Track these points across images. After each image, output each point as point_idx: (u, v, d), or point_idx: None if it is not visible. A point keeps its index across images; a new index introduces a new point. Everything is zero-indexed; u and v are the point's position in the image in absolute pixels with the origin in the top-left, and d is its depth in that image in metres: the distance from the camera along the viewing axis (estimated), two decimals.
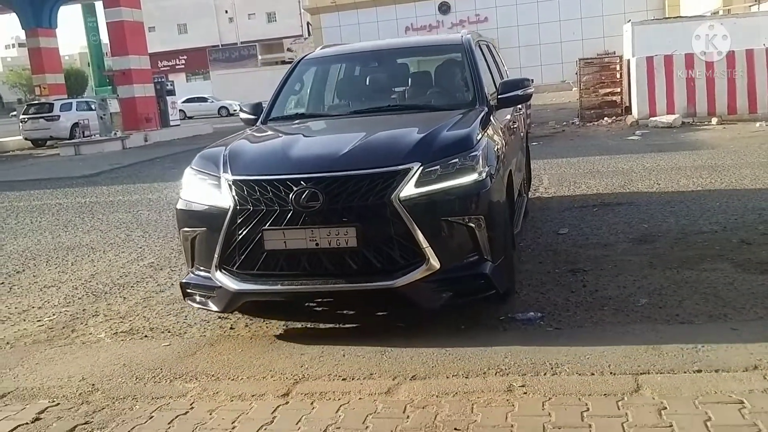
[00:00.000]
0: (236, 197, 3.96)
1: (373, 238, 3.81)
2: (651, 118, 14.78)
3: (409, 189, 3.80)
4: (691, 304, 4.22)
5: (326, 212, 3.79)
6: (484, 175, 3.97)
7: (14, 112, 55.47)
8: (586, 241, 5.92)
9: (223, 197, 4.02)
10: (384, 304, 4.63)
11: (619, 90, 17.33)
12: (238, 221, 3.93)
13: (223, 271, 4.05)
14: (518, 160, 6.13)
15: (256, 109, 5.56)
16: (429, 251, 3.79)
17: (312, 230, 3.80)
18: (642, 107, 15.22)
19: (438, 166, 3.91)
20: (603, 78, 17.66)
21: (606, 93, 17.52)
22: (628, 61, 16.58)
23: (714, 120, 14.27)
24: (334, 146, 4.33)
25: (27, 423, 3.33)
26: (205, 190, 4.18)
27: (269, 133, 5.06)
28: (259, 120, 5.47)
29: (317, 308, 4.74)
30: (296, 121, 5.53)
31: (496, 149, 4.38)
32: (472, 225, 3.89)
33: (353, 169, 3.91)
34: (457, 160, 3.97)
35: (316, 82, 6.11)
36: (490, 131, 4.52)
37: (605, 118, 16.69)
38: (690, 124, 14.34)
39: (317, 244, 3.81)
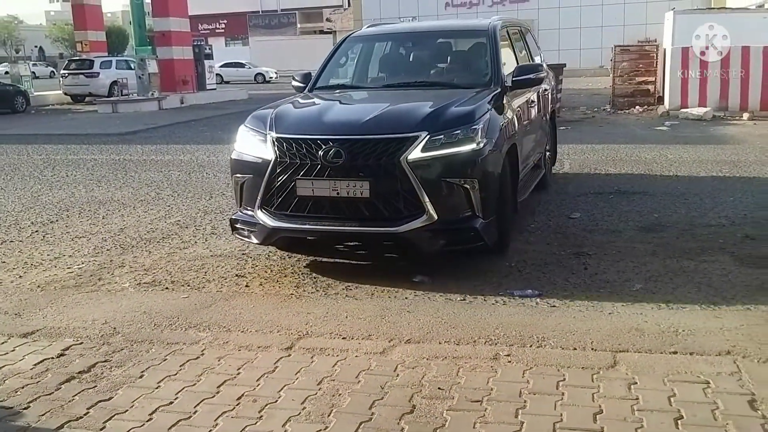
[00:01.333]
0: (277, 151, 4.70)
1: (383, 191, 4.51)
2: (682, 110, 14.69)
3: (416, 153, 4.47)
4: (684, 291, 4.40)
5: (347, 168, 4.50)
6: (482, 145, 4.63)
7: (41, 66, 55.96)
8: (595, 227, 6.08)
9: (268, 151, 4.76)
10: (389, 247, 5.31)
11: (653, 79, 17.15)
12: (278, 171, 4.68)
13: (263, 210, 4.81)
14: (536, 136, 6.65)
15: (306, 78, 6.27)
16: (429, 205, 4.47)
17: (334, 182, 4.52)
18: (674, 98, 15.14)
19: (442, 135, 4.58)
20: (639, 66, 17.49)
21: (640, 81, 17.37)
22: (665, 50, 16.43)
23: (745, 115, 14.14)
24: (359, 114, 5.09)
25: (52, 357, 3.66)
26: (254, 144, 4.92)
27: (311, 99, 5.71)
28: (306, 88, 6.10)
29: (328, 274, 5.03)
30: (336, 91, 6.14)
31: (500, 124, 4.97)
32: (467, 186, 4.56)
33: (371, 134, 4.62)
34: (459, 131, 4.63)
35: (359, 57, 6.70)
36: (498, 108, 5.08)
37: (637, 107, 16.56)
38: (721, 117, 14.23)
39: (338, 193, 4.55)
